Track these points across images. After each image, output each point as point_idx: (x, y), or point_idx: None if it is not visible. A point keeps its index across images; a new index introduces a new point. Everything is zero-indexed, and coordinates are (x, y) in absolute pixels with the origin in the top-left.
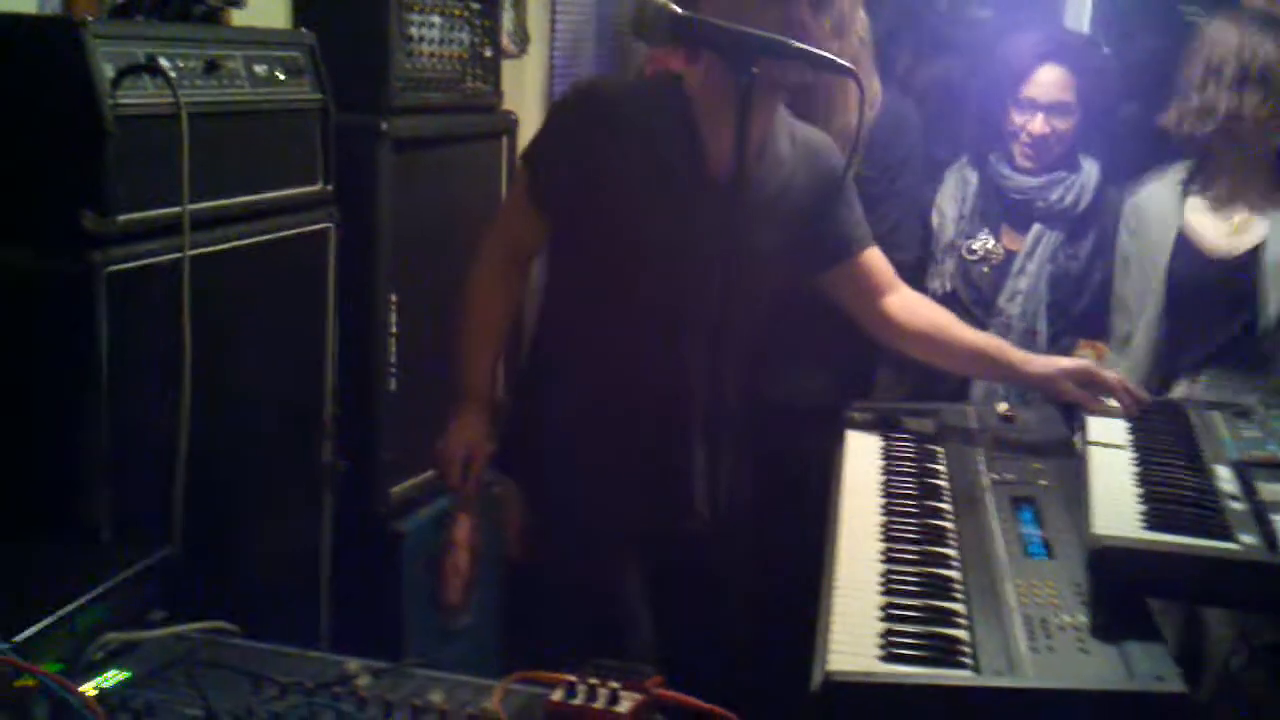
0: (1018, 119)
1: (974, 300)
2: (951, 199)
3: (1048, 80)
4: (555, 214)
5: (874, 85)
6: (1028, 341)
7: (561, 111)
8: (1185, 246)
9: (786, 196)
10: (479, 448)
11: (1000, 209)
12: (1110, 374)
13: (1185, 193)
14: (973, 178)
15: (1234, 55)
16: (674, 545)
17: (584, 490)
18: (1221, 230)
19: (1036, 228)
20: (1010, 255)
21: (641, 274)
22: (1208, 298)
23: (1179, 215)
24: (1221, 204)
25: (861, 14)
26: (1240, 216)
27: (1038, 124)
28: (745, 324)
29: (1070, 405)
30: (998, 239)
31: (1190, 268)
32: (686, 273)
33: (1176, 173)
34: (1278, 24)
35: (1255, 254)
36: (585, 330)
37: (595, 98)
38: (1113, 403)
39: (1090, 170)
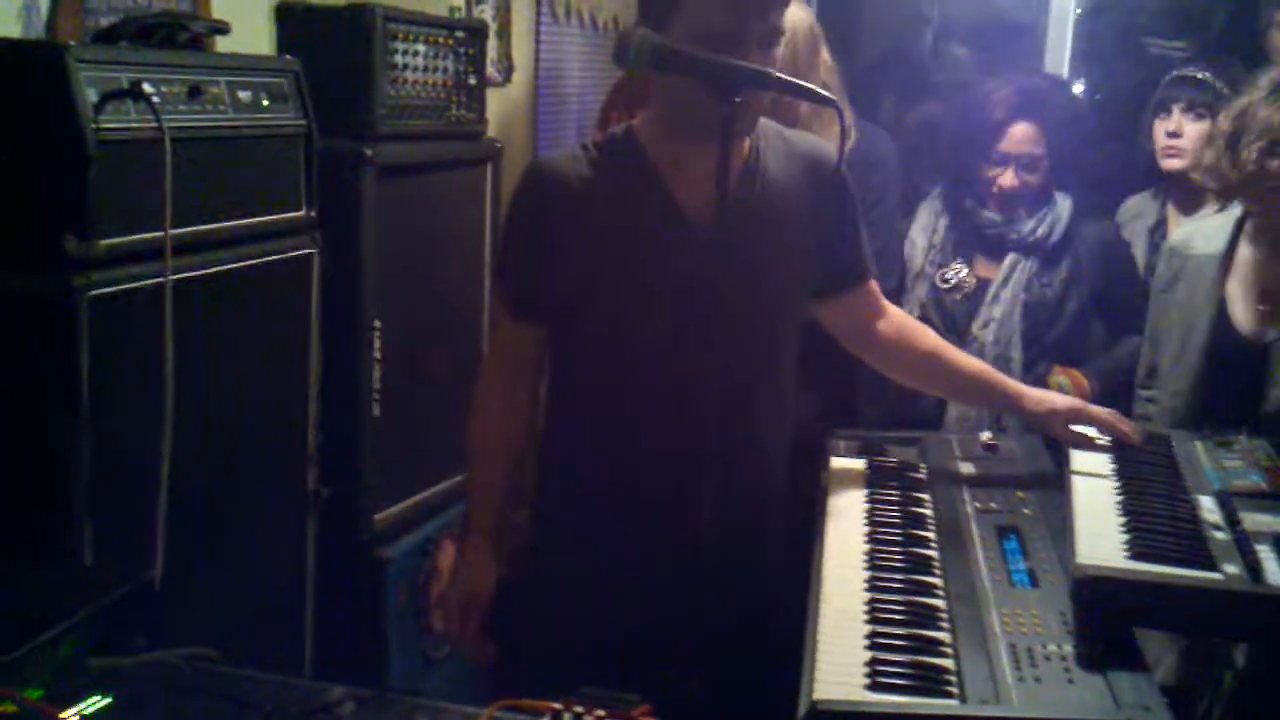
0: (990, 172)
1: (947, 328)
2: (922, 229)
3: (1019, 136)
4: (542, 316)
5: (849, 118)
6: (1001, 368)
7: (514, 209)
8: (1224, 319)
9: (792, 216)
10: (480, 594)
11: (974, 239)
12: (1101, 411)
13: (1234, 243)
14: (945, 210)
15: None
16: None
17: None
18: (1252, 308)
19: (1012, 256)
20: (983, 284)
21: (644, 340)
22: (1236, 374)
23: (1221, 276)
24: (1267, 263)
25: (825, 56)
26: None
27: (1008, 178)
28: (765, 357)
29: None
30: (970, 268)
31: (1225, 345)
32: (691, 324)
33: (1229, 217)
34: None
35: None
36: (595, 409)
37: (541, 180)
38: (1099, 438)
39: (1063, 204)
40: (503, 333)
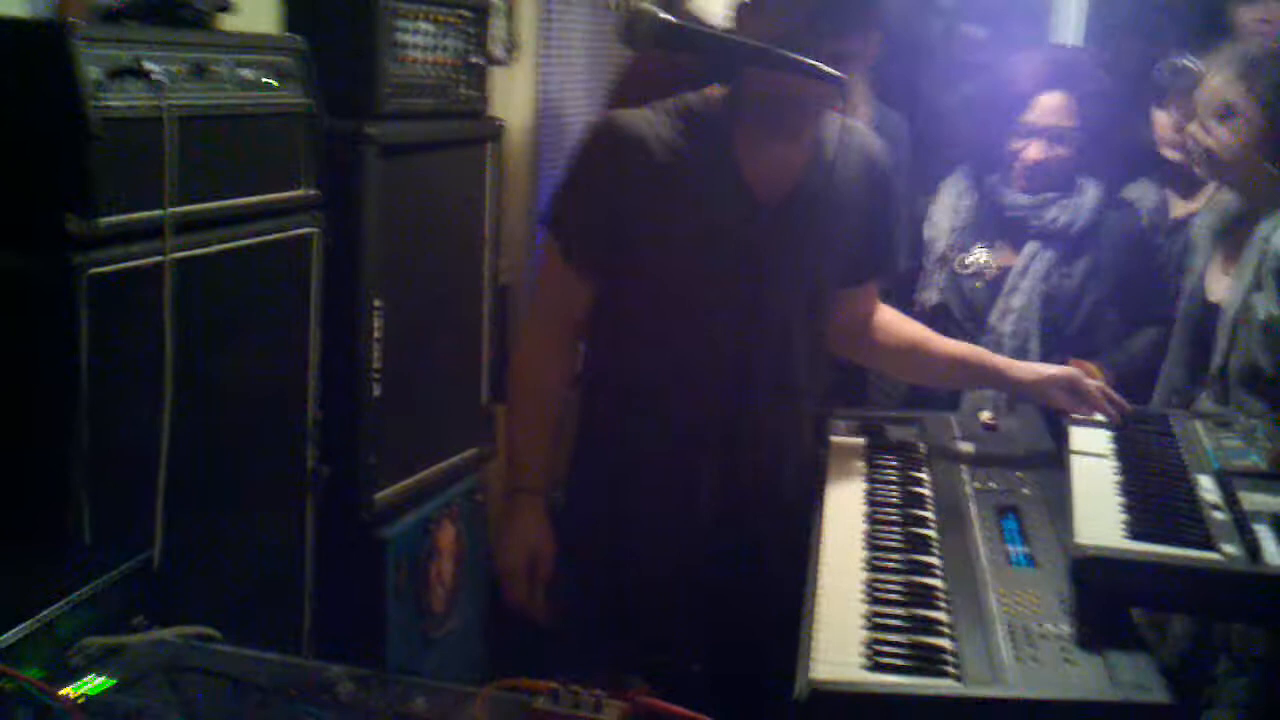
0: (1016, 144)
1: (965, 315)
2: (946, 211)
3: (1048, 106)
4: (597, 272)
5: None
6: (1018, 359)
7: (581, 158)
8: (1200, 286)
9: (843, 210)
10: (542, 549)
11: (995, 225)
12: (1092, 383)
13: (1226, 220)
14: (969, 192)
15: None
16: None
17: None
18: (1221, 274)
19: (1031, 245)
20: (1004, 271)
21: (695, 309)
22: (1204, 342)
23: (1211, 249)
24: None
25: None
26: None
27: (1035, 150)
28: (806, 339)
29: (1056, 412)
30: (992, 254)
31: (1198, 313)
32: (742, 296)
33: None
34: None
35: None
36: (637, 370)
37: (617, 135)
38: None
39: (1090, 192)
40: (554, 283)
